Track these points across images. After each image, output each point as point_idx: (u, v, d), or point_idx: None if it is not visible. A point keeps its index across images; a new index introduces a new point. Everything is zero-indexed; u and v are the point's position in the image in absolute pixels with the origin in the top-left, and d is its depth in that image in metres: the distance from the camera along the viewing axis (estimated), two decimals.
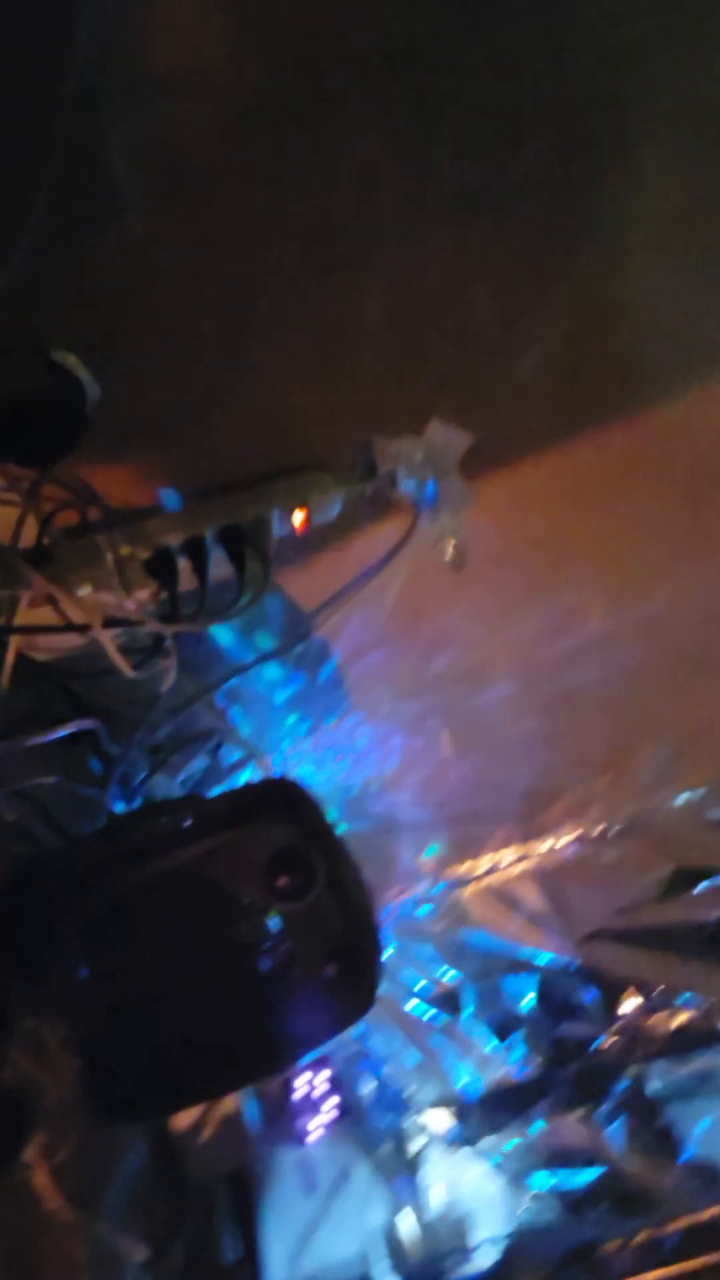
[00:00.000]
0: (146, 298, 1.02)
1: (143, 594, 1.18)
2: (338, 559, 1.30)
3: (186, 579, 1.15)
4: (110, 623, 1.10)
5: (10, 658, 1.07)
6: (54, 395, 1.04)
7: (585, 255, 1.09)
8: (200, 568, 1.14)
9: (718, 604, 1.56)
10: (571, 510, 1.34)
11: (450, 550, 1.27)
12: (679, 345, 1.20)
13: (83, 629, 1.09)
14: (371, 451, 1.18)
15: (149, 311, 1.02)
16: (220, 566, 1.16)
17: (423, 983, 2.12)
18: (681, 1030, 1.99)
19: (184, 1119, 1.27)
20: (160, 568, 1.13)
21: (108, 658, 1.11)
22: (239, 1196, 1.31)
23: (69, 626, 1.10)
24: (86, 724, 1.21)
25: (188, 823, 1.09)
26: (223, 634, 1.36)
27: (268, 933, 1.04)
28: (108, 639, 1.08)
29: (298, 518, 1.16)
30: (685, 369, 1.23)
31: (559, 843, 2.04)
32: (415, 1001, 2.12)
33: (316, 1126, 1.48)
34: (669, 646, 1.62)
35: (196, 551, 1.14)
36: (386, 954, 1.85)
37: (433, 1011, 2.10)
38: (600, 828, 2.03)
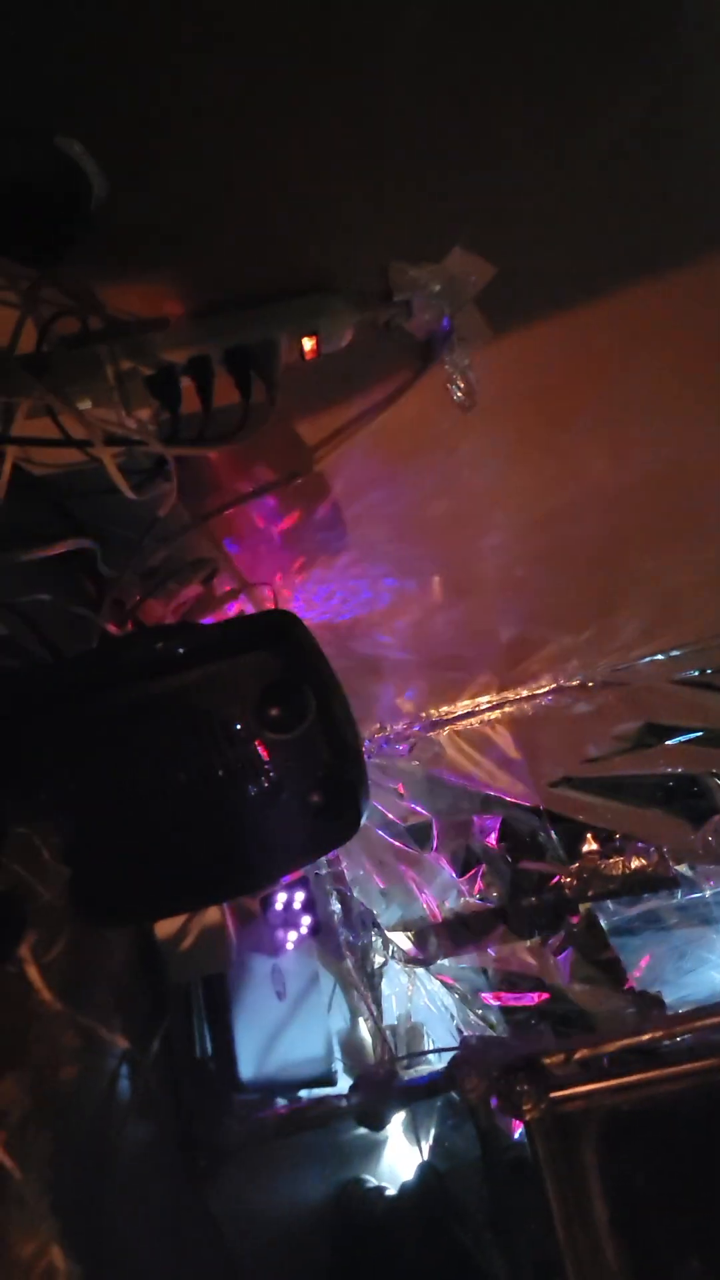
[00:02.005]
0: (170, 81, 0.89)
1: (143, 413, 1.14)
2: (345, 390, 1.26)
3: (189, 400, 1.10)
4: (112, 440, 1.06)
5: (6, 469, 1.04)
6: (55, 187, 0.96)
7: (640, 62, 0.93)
8: (204, 389, 1.09)
9: (713, 468, 1.54)
10: (586, 362, 1.29)
11: (460, 390, 1.23)
12: None
13: (84, 445, 1.06)
14: (387, 277, 1.12)
15: (171, 97, 0.90)
16: (224, 390, 1.12)
17: (395, 815, 2.21)
18: (635, 874, 2.10)
19: (168, 926, 1.34)
20: (162, 386, 1.08)
21: (106, 477, 1.07)
22: (215, 998, 1.40)
23: (70, 441, 1.06)
24: (82, 543, 1.19)
25: (182, 649, 1.09)
26: (223, 461, 1.32)
27: (257, 761, 1.06)
28: (108, 457, 1.05)
29: (307, 344, 1.10)
30: None
31: (535, 692, 2.09)
32: (387, 832, 2.22)
33: (291, 939, 1.56)
34: (661, 508, 1.61)
35: (201, 371, 1.09)
36: None
37: (403, 842, 2.21)
38: (576, 680, 2.08)
